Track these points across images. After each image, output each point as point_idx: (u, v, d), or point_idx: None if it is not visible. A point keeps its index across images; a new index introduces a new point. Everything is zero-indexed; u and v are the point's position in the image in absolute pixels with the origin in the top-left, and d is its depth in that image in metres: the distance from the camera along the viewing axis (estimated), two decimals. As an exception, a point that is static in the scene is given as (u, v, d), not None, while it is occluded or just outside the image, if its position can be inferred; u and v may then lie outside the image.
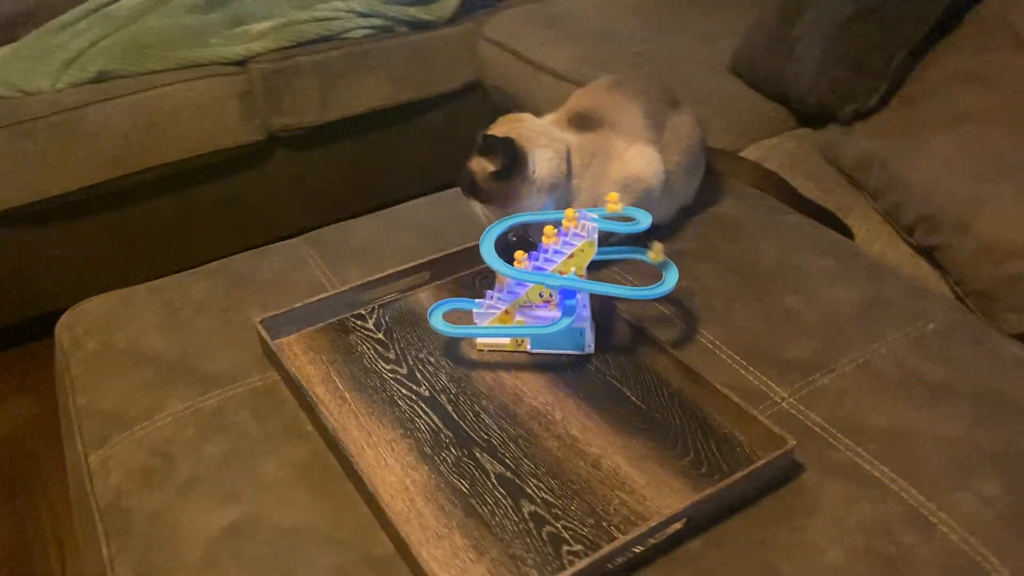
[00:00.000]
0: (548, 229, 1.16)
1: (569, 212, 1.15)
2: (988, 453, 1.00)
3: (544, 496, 0.98)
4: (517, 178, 1.26)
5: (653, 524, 0.88)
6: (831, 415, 1.07)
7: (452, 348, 1.20)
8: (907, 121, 1.69)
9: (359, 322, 1.27)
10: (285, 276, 1.38)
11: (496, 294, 1.18)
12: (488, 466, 1.02)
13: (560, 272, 1.12)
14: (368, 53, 2.58)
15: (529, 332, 1.16)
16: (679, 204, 1.45)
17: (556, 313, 1.16)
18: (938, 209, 1.49)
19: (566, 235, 1.15)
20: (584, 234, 1.14)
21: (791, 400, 1.11)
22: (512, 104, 2.42)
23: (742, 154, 1.88)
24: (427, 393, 1.13)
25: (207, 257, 1.51)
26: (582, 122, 1.36)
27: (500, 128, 1.29)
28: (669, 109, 1.44)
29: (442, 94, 2.74)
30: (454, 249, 1.33)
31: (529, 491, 0.98)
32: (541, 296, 1.16)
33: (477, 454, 1.03)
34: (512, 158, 1.24)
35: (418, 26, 2.64)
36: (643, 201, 1.31)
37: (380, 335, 1.24)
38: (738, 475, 0.93)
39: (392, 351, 1.21)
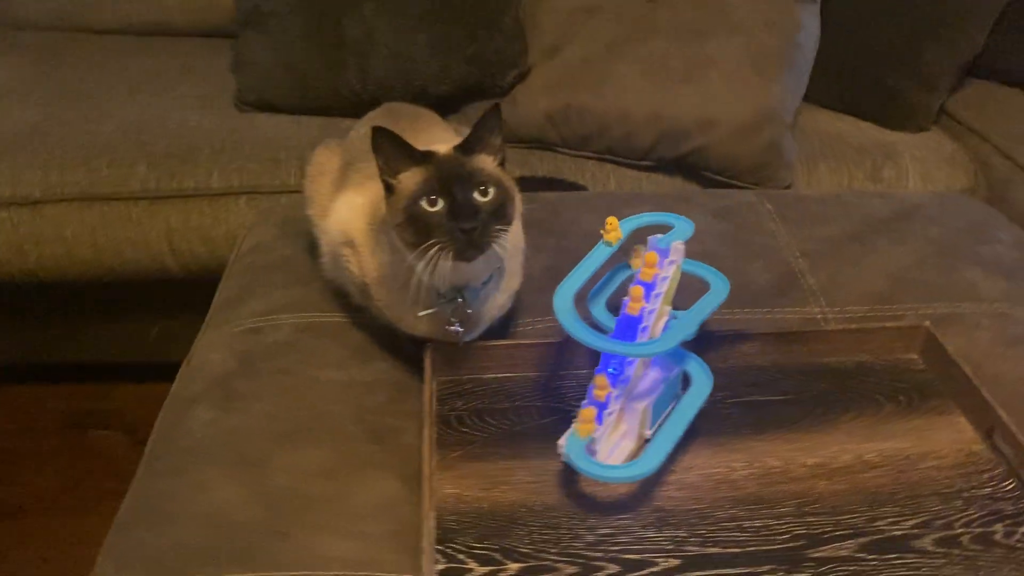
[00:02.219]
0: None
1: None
2: None
3: (905, 521, 0.88)
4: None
5: None
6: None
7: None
8: (567, 65, 1.75)
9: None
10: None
11: (614, 393, 0.91)
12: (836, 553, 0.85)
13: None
14: None
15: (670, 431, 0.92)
16: None
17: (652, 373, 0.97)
18: (665, 122, 1.60)
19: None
20: (674, 258, 0.96)
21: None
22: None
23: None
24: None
25: None
26: None
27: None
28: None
29: None
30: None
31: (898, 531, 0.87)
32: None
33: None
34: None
35: None
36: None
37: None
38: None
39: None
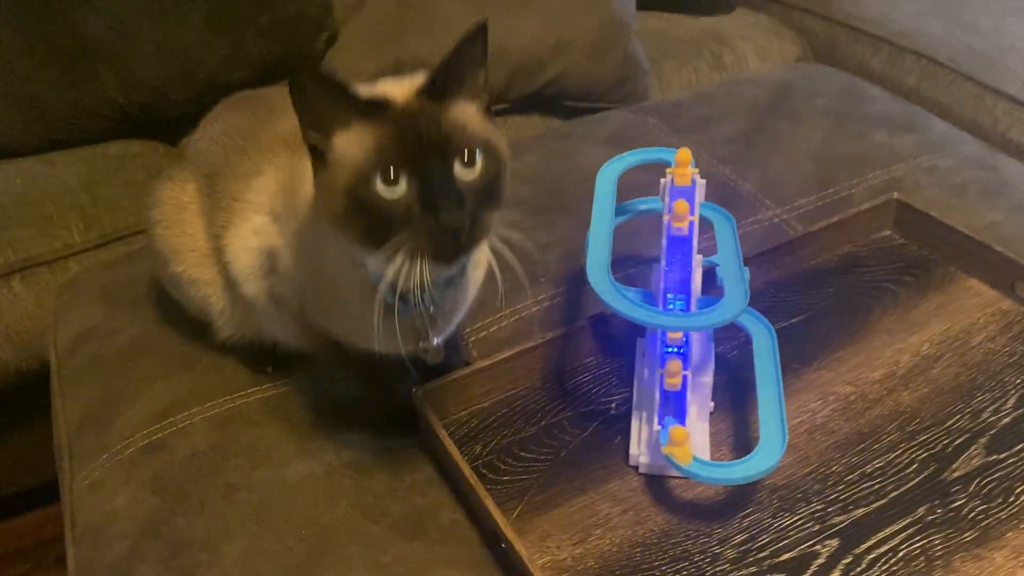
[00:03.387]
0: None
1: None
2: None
3: (1004, 405, 0.82)
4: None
5: None
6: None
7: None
8: (382, 14, 1.49)
9: None
10: None
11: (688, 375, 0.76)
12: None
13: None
14: None
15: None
16: None
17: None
18: (514, 55, 1.44)
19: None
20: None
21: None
22: None
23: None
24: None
25: None
26: None
27: None
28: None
29: None
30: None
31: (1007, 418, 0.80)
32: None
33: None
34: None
35: None
36: None
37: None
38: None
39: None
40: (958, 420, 0.80)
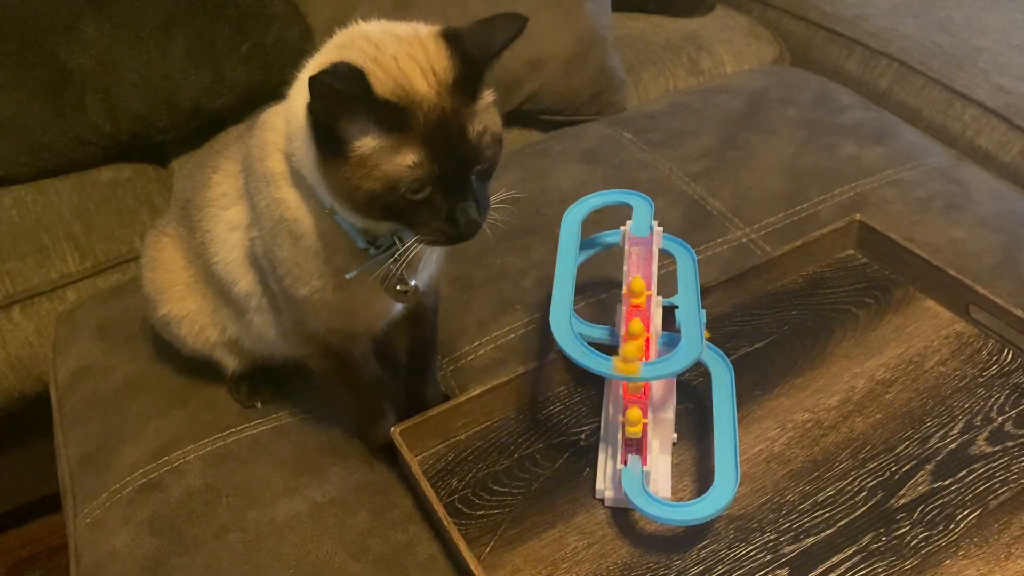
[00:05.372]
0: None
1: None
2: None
3: (951, 431, 0.86)
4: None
5: None
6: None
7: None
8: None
9: None
10: None
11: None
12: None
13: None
14: None
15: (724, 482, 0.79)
16: None
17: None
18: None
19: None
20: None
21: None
22: None
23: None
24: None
25: None
26: None
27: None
28: None
29: None
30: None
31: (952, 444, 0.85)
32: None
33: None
34: None
35: None
36: None
37: None
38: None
39: None
40: (907, 447, 0.84)
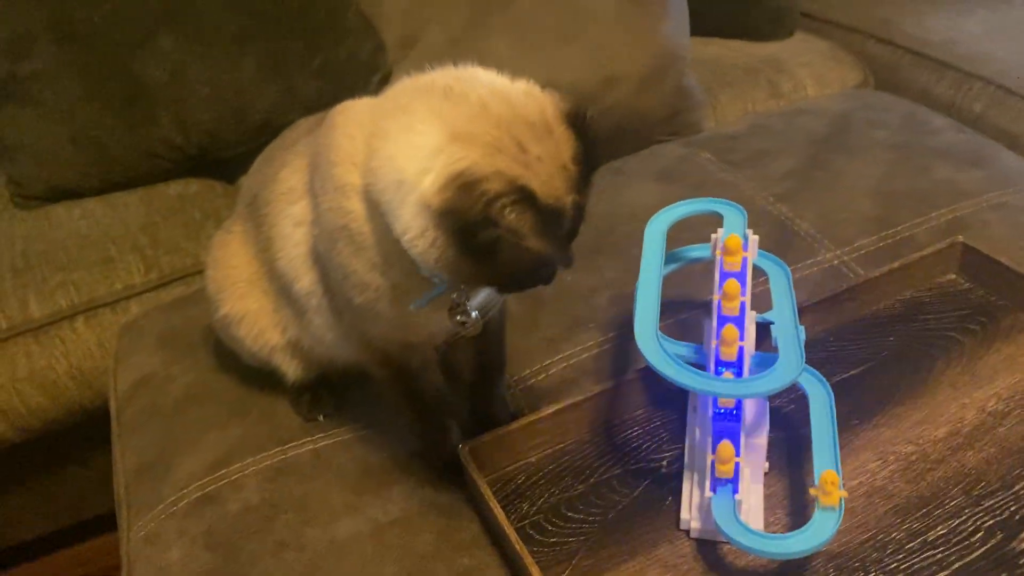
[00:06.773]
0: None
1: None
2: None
3: None
4: None
5: None
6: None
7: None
8: (432, 53, 1.50)
9: None
10: None
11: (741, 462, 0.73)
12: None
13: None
14: None
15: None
16: None
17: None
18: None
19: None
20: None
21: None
22: None
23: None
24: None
25: None
26: None
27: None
28: None
29: None
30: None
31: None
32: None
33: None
34: None
35: None
36: None
37: None
38: None
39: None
40: (1027, 484, 0.77)
